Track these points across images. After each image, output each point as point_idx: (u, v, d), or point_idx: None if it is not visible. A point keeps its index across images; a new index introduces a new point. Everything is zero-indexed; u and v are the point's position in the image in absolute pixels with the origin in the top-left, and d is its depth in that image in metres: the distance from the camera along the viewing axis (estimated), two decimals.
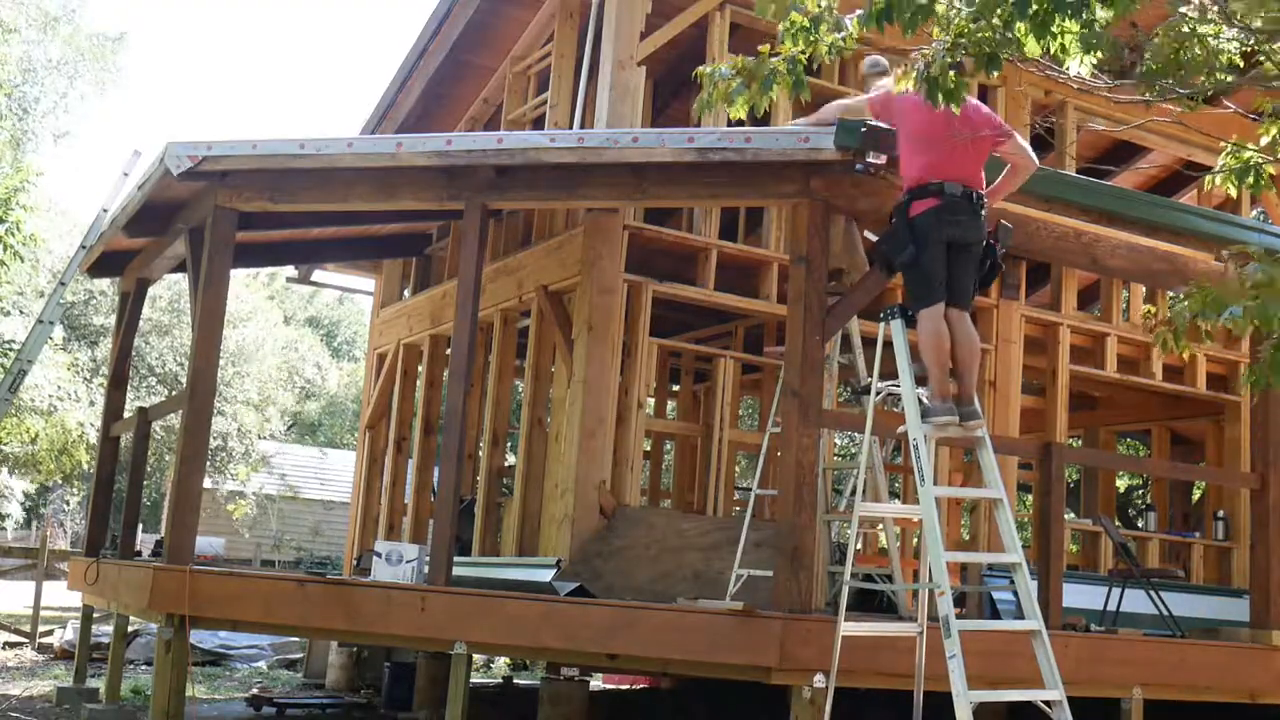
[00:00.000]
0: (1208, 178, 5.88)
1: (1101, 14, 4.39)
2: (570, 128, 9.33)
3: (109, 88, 22.82)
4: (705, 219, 9.09)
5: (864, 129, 6.34)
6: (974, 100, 6.15)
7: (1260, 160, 5.45)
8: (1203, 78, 5.20)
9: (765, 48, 5.23)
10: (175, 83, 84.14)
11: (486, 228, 7.59)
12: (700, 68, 5.52)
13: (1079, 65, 4.65)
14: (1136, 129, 9.85)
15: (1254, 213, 13.07)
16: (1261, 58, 5.25)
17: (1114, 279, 10.25)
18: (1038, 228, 7.20)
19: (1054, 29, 4.41)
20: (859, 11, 4.82)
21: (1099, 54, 4.58)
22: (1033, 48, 4.51)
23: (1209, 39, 5.07)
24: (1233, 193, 5.85)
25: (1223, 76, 5.21)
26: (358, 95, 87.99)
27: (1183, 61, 5.05)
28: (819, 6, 4.97)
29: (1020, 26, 4.44)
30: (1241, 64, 5.38)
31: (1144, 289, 11.05)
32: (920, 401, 5.87)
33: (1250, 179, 5.53)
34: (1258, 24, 4.89)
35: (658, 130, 8.52)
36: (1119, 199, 7.43)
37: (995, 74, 4.77)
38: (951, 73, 4.75)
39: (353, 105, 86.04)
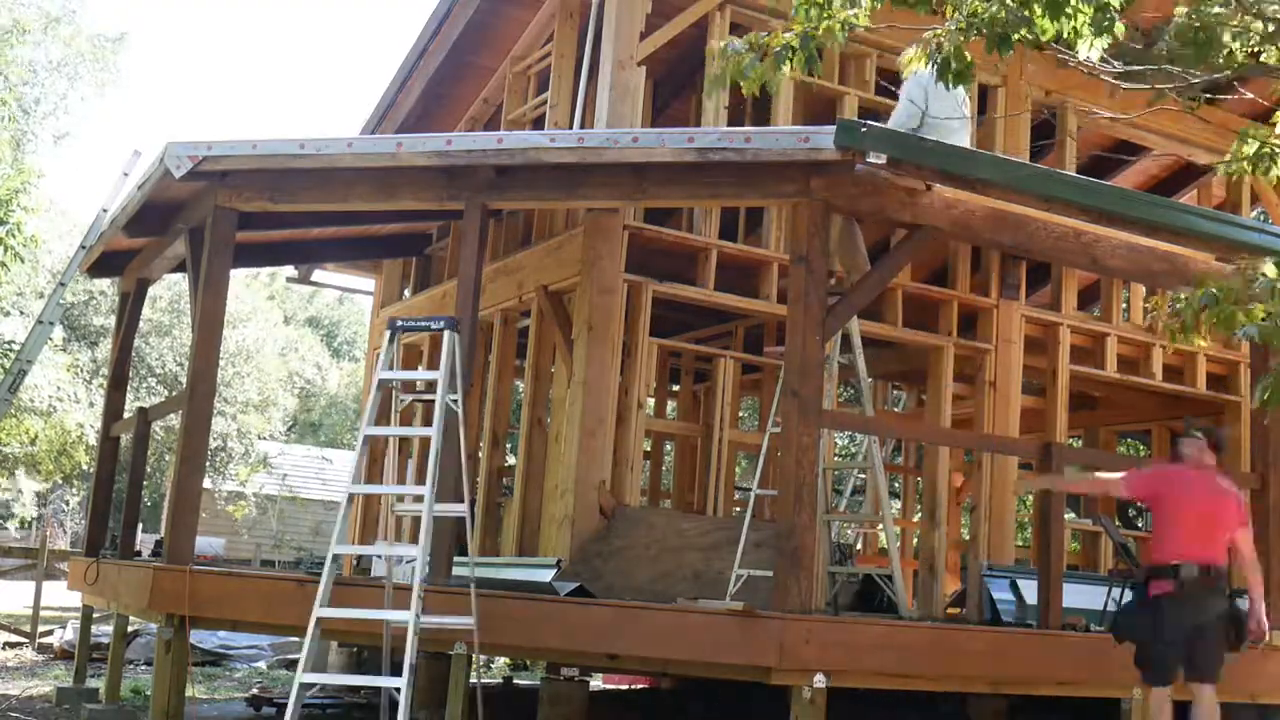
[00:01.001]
0: (1220, 166, 5.84)
1: None
2: (570, 128, 9.33)
3: (109, 88, 22.83)
4: (705, 219, 9.09)
5: (864, 129, 6.35)
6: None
7: (1273, 144, 5.44)
8: (1221, 61, 5.18)
9: (779, 24, 5.22)
10: (175, 83, 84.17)
11: (486, 228, 7.59)
12: (712, 43, 5.50)
13: (1089, 49, 4.65)
14: (1137, 128, 9.85)
15: (1254, 213, 13.07)
16: (1266, 54, 5.24)
17: (1114, 279, 10.25)
18: (1038, 228, 7.19)
19: (1068, 10, 4.41)
20: None
21: (1109, 37, 4.58)
22: (1046, 28, 4.50)
23: (1230, 24, 5.05)
24: (1245, 174, 5.81)
25: (1235, 64, 5.20)
26: (358, 95, 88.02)
27: (1201, 45, 5.03)
28: None
29: (1036, 8, 4.44)
30: (1243, 59, 5.38)
31: (1144, 289, 11.06)
32: None
33: (1264, 166, 5.52)
34: (1272, 10, 4.89)
35: (658, 130, 8.53)
36: (1119, 199, 7.42)
37: (1007, 54, 4.76)
38: (968, 55, 4.75)
39: (353, 105, 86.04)
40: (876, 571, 8.04)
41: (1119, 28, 4.56)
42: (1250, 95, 7.29)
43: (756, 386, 11.77)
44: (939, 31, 4.83)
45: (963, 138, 7.63)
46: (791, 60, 5.08)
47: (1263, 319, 4.51)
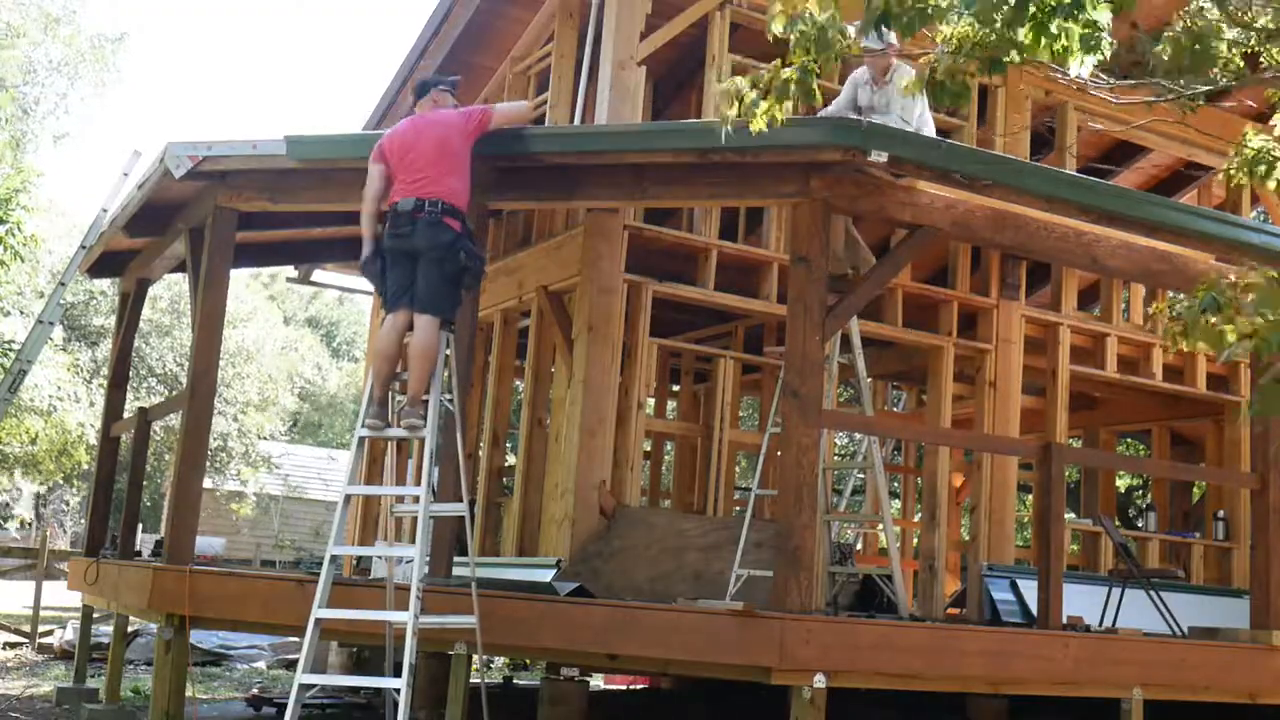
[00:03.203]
0: (1223, 168, 5.86)
1: (1101, 15, 4.40)
2: None
3: (109, 88, 22.91)
4: (705, 219, 9.09)
5: (864, 128, 6.34)
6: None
7: (1270, 149, 5.44)
8: (1217, 70, 5.20)
9: (777, 62, 5.26)
10: (175, 83, 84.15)
11: (486, 228, 7.58)
12: (722, 84, 5.54)
13: (1079, 66, 4.66)
14: (1137, 129, 9.85)
15: (1254, 213, 13.08)
16: (1262, 58, 5.26)
17: (1114, 279, 10.26)
18: (1038, 228, 7.19)
19: (1053, 29, 4.42)
20: (860, 21, 4.85)
21: (1100, 55, 4.59)
22: (1034, 49, 4.51)
23: (1224, 34, 5.07)
24: (1244, 181, 5.82)
25: (1231, 74, 5.22)
26: (358, 95, 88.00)
27: (1196, 56, 5.05)
28: (823, 18, 4.99)
29: (1023, 32, 4.45)
30: (1242, 64, 5.39)
31: (1144, 289, 11.06)
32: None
33: (1262, 169, 5.52)
34: (1262, 22, 4.90)
35: None
36: (1119, 199, 7.42)
37: (998, 76, 4.78)
38: (961, 76, 4.77)
39: (353, 105, 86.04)
40: (876, 571, 8.04)
41: (1106, 45, 4.56)
42: (1249, 103, 7.31)
43: (756, 386, 11.77)
44: (932, 56, 4.86)
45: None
46: (790, 96, 5.12)
47: (1248, 335, 4.49)
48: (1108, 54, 4.57)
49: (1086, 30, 4.46)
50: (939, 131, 9.39)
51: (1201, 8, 5.11)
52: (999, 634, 7.08)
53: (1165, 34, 5.15)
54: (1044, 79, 9.41)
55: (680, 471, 11.03)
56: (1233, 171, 5.60)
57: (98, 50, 21.97)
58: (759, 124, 5.30)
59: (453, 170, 6.31)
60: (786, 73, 5.13)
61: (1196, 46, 5.01)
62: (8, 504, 25.69)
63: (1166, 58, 5.09)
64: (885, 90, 7.66)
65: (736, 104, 5.23)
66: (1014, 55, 4.63)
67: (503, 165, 7.09)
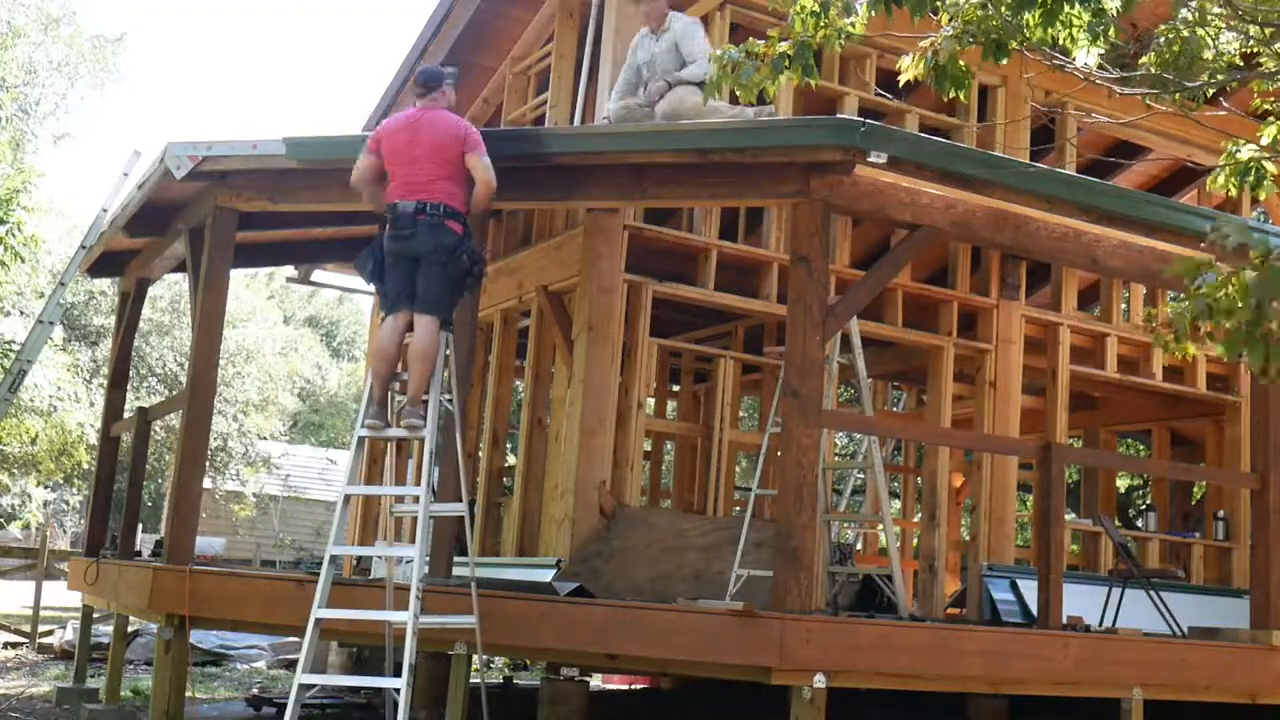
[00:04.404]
0: (1210, 178, 5.87)
1: (1111, 2, 4.40)
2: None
3: (109, 88, 22.95)
4: (705, 219, 9.09)
5: (863, 128, 6.34)
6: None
7: (1259, 159, 5.45)
8: (1206, 76, 5.20)
9: (775, 31, 5.21)
10: (175, 83, 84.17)
11: (486, 228, 7.58)
12: (714, 51, 5.50)
13: (1085, 55, 4.65)
14: (1137, 129, 9.85)
15: (1254, 213, 13.07)
16: (1262, 57, 5.26)
17: (1114, 279, 10.26)
18: (1038, 228, 7.19)
19: (1062, 18, 4.41)
20: None
21: (1104, 45, 4.58)
22: (1040, 36, 4.50)
23: (1209, 39, 5.08)
24: (1233, 192, 5.84)
25: (1221, 76, 5.22)
26: (358, 95, 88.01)
27: (1183, 59, 5.05)
28: None
29: (1029, 17, 4.44)
30: (1241, 64, 5.39)
31: (1144, 289, 11.06)
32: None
33: (1251, 177, 5.53)
34: (1262, 19, 4.89)
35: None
36: (1119, 199, 7.42)
37: (1003, 61, 4.76)
38: (961, 62, 4.76)
39: (353, 105, 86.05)
40: (876, 571, 8.04)
41: (1113, 33, 4.56)
42: (1249, 97, 7.30)
43: (756, 386, 11.77)
44: (935, 40, 4.84)
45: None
46: (788, 68, 5.08)
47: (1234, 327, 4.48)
48: (1110, 45, 4.57)
49: (1094, 18, 4.46)
50: (939, 132, 9.43)
51: (1185, 15, 5.10)
52: (999, 634, 7.07)
53: (1155, 36, 5.15)
54: (1044, 77, 9.41)
55: (680, 471, 11.03)
56: (1222, 180, 5.60)
57: (98, 51, 21.98)
58: (748, 95, 5.27)
59: (450, 175, 6.30)
60: (783, 46, 5.09)
61: (1182, 58, 5.01)
62: (14, 507, 25.69)
63: (1158, 63, 5.09)
64: (665, 36, 7.66)
65: (729, 73, 5.20)
66: (1022, 37, 4.62)
67: (503, 165, 7.07)
